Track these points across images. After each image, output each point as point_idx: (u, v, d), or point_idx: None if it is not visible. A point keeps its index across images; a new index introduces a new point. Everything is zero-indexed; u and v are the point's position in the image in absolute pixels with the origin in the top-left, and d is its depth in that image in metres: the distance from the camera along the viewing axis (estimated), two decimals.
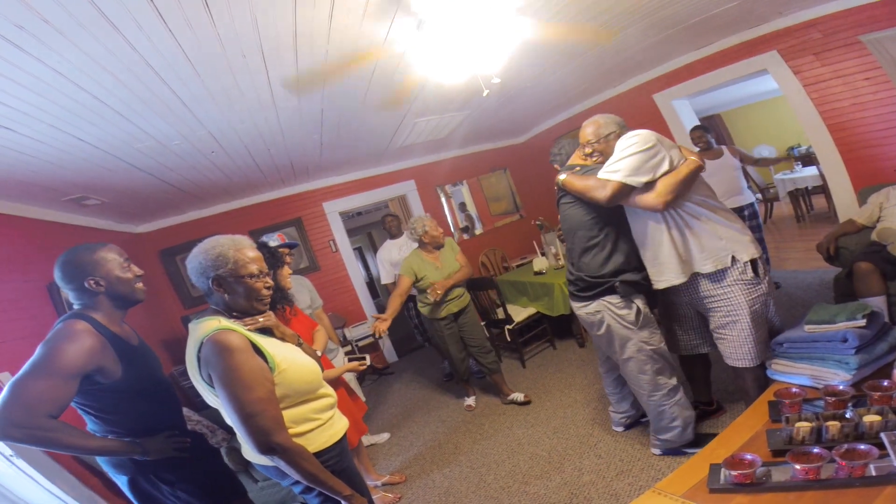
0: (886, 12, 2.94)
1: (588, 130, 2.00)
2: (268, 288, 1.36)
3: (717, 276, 1.82)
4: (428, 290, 3.06)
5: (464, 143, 5.57)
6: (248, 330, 1.28)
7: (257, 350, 1.24)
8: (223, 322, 1.24)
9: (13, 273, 2.34)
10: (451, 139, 4.96)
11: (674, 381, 2.06)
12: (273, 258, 2.06)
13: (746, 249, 1.78)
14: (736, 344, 1.85)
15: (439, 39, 1.86)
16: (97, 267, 1.44)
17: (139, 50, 1.53)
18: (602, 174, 1.82)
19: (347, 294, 5.08)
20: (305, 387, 1.34)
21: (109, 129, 2.05)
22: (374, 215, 7.56)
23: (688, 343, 2.14)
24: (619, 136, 1.90)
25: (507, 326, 3.83)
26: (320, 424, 1.36)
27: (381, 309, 5.88)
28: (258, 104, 2.36)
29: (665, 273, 1.90)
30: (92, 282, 1.43)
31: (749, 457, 1.16)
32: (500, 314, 3.89)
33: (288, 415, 1.26)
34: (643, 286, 2.00)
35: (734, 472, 1.14)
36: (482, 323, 3.64)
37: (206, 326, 1.23)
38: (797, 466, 1.08)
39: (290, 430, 1.25)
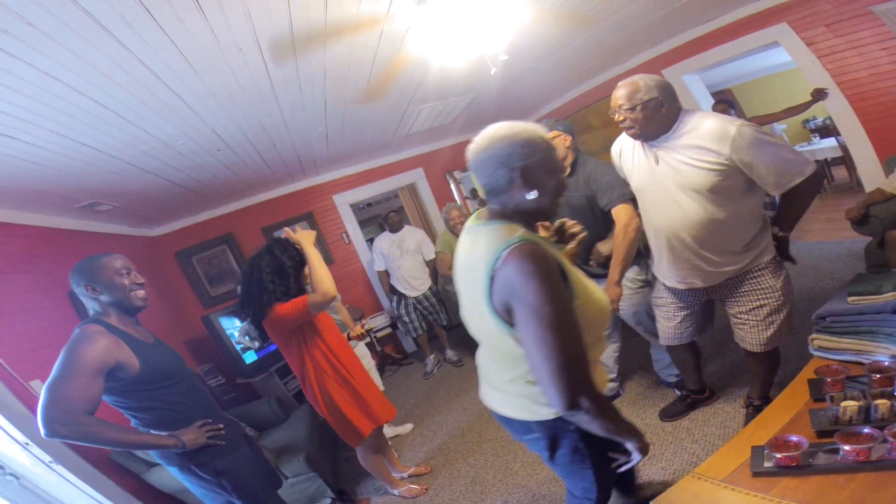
0: None
1: (620, 93, 1.57)
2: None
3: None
4: None
5: (470, 128, 5.44)
6: (570, 249, 1.01)
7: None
8: (523, 231, 0.96)
9: (35, 282, 2.36)
10: (456, 124, 4.85)
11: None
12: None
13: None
14: (759, 328, 1.70)
15: (444, 18, 1.78)
16: (95, 274, 1.53)
17: (132, 49, 1.49)
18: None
19: (363, 285, 5.07)
20: (600, 325, 1.07)
21: (111, 132, 2.02)
22: (385, 206, 7.57)
23: (673, 333, 1.96)
24: (660, 102, 1.52)
25: None
26: (598, 372, 1.11)
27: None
28: (259, 98, 2.31)
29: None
30: (88, 288, 1.52)
31: (795, 438, 1.10)
32: None
33: None
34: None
35: (779, 455, 1.08)
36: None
37: (502, 233, 0.94)
38: (847, 447, 1.02)
39: None
